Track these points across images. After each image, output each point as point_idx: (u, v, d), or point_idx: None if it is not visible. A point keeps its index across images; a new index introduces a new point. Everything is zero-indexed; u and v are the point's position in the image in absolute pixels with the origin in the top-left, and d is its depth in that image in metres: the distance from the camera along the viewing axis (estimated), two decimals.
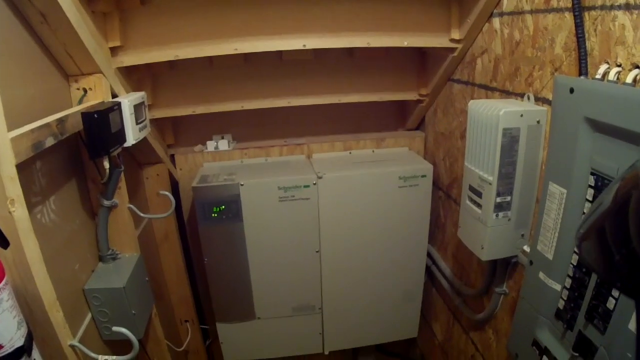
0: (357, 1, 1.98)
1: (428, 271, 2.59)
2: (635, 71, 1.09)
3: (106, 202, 1.66)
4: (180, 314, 2.67)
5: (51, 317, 1.16)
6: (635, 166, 0.57)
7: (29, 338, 1.04)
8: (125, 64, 1.83)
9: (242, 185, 2.16)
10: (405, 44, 2.04)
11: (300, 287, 2.43)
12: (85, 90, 1.58)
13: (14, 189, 1.03)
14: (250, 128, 2.57)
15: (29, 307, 1.11)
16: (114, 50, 1.80)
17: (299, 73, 2.37)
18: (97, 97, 1.60)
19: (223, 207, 2.18)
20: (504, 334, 1.85)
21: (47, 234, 1.35)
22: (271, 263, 2.33)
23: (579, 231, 0.64)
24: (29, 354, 1.03)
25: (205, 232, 2.22)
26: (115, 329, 1.57)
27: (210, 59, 2.11)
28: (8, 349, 0.96)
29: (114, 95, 1.70)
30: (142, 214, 1.90)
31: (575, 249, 1.31)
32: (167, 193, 2.15)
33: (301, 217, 2.28)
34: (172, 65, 2.10)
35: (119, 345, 1.65)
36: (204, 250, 2.26)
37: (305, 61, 2.32)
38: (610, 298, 1.15)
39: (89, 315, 1.58)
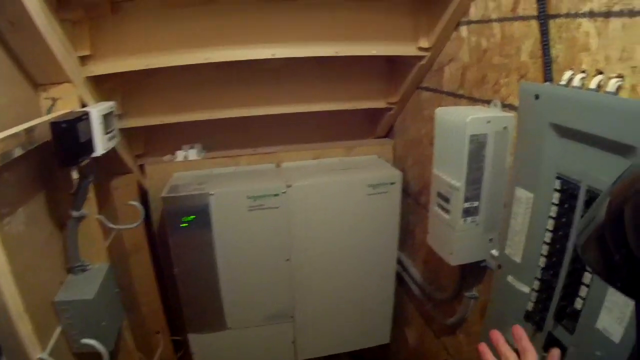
0: (326, 10, 2.00)
1: (399, 277, 2.61)
2: (599, 77, 1.12)
3: (75, 213, 1.63)
4: (152, 325, 2.62)
5: (19, 329, 1.14)
6: (623, 178, 0.59)
7: None
8: (94, 73, 1.80)
9: (211, 194, 2.15)
10: (374, 52, 2.06)
11: (271, 296, 2.41)
12: (54, 100, 1.56)
13: None
14: (220, 137, 2.55)
15: None
16: (83, 59, 1.78)
17: (269, 82, 2.36)
18: (66, 106, 1.57)
19: (193, 216, 2.16)
20: (476, 337, 1.87)
21: (15, 245, 1.31)
22: (242, 272, 2.31)
23: (579, 242, 0.65)
24: None
25: (175, 242, 2.19)
26: (84, 341, 1.54)
27: (180, 68, 2.09)
28: None
29: (84, 105, 1.68)
30: (111, 225, 1.88)
31: (548, 249, 1.33)
32: (136, 203, 2.12)
33: (271, 225, 2.27)
34: (142, 74, 2.08)
35: (90, 357, 1.61)
36: (174, 260, 2.23)
37: (275, 70, 2.32)
38: (578, 299, 1.18)
39: (59, 328, 1.54)
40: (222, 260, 2.26)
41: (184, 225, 2.16)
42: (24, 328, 1.17)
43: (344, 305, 2.53)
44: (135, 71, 1.93)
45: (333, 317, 2.55)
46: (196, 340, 2.42)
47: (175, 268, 2.24)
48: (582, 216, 1.17)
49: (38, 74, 1.50)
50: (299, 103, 2.42)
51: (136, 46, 1.88)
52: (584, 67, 1.19)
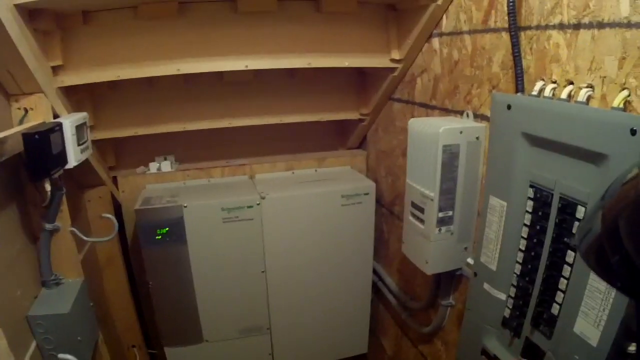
0: (298, 23, 2.01)
1: (375, 287, 2.61)
2: (570, 87, 1.15)
3: (48, 226, 1.61)
4: (127, 339, 2.58)
5: None
6: (612, 191, 0.62)
7: None
8: (66, 84, 1.78)
9: (185, 207, 2.13)
10: (346, 64, 2.08)
11: (247, 308, 2.39)
12: (26, 110, 1.53)
13: None
14: (193, 149, 2.54)
15: None
16: (55, 70, 1.76)
17: (241, 94, 2.36)
18: (38, 117, 1.55)
19: (166, 229, 2.13)
20: (453, 345, 1.89)
21: None
22: (217, 285, 2.29)
23: (580, 250, 0.67)
24: None
25: (149, 255, 2.16)
26: (61, 356, 1.52)
27: (150, 80, 2.08)
28: None
29: (56, 116, 1.65)
30: (85, 237, 1.85)
31: (523, 256, 1.35)
32: (109, 216, 2.10)
33: (246, 237, 2.26)
34: (113, 85, 2.06)
35: None
36: (148, 274, 2.20)
37: (247, 82, 2.33)
38: (555, 304, 1.20)
39: (34, 343, 1.51)
40: (197, 272, 2.23)
41: (158, 237, 2.13)
42: None
43: (321, 316, 2.52)
44: (105, 83, 1.91)
45: (310, 328, 2.54)
46: (173, 354, 2.38)
47: (149, 281, 2.21)
48: (556, 224, 1.19)
49: (10, 84, 1.48)
50: (272, 115, 2.42)
51: (107, 57, 1.86)
52: (554, 77, 1.22)
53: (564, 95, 1.16)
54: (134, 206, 2.15)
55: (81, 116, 1.70)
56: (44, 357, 1.55)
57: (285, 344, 2.54)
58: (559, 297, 1.19)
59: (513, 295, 1.38)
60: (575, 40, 1.15)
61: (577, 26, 1.14)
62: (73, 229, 1.74)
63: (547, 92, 1.22)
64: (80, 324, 1.64)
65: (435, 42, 1.83)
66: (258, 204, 2.22)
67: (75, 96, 1.93)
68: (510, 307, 1.39)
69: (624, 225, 0.56)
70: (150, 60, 1.90)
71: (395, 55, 2.05)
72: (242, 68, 1.99)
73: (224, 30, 1.95)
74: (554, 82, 1.22)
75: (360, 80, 2.50)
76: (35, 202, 1.59)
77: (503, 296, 1.42)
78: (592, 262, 0.64)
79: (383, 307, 2.72)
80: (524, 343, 1.33)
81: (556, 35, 1.21)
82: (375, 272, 2.59)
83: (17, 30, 1.33)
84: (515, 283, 1.37)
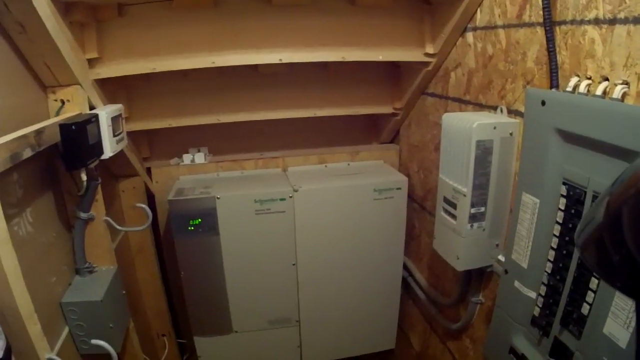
0: (332, 16, 2.01)
1: (404, 282, 2.60)
2: (605, 83, 1.13)
3: (83, 215, 1.65)
4: (157, 328, 2.64)
5: (29, 329, 1.15)
6: (622, 179, 0.59)
7: (8, 351, 1.02)
8: (102, 76, 1.82)
9: (218, 198, 2.15)
10: (380, 58, 2.07)
11: (277, 300, 2.42)
12: (63, 102, 1.57)
13: None
14: (226, 141, 2.56)
15: (5, 319, 1.09)
16: (91, 62, 1.79)
17: (274, 86, 2.37)
18: (74, 108, 1.59)
19: (199, 220, 2.16)
20: (481, 342, 1.87)
21: (24, 245, 1.33)
22: (248, 276, 2.32)
23: (578, 241, 0.66)
24: None
25: (181, 245, 2.20)
26: (94, 341, 1.55)
27: (185, 72, 2.10)
28: None
29: (92, 107, 1.69)
30: (118, 227, 1.89)
31: (554, 254, 1.33)
32: (143, 206, 2.14)
33: (277, 230, 2.28)
34: (147, 77, 2.09)
35: (96, 359, 1.62)
36: (180, 264, 2.24)
37: (281, 75, 2.34)
38: (585, 304, 1.18)
39: (66, 329, 1.55)
40: (228, 263, 2.26)
41: (190, 228, 2.17)
42: (33, 328, 1.17)
43: (350, 310, 2.53)
44: (140, 75, 1.94)
45: (338, 322, 2.55)
46: (202, 344, 2.42)
47: (181, 271, 2.25)
48: None
49: (47, 76, 1.52)
50: (305, 108, 2.43)
51: (142, 49, 1.89)
52: (589, 73, 1.20)
53: (599, 91, 1.13)
54: (167, 197, 2.19)
55: (117, 108, 1.74)
56: (76, 343, 1.59)
57: (314, 337, 2.55)
58: (590, 296, 1.17)
59: (543, 293, 1.36)
60: (610, 35, 1.12)
61: (613, 21, 1.11)
62: (107, 218, 1.78)
63: (582, 88, 1.19)
64: (112, 312, 1.67)
65: (470, 36, 1.80)
66: (290, 197, 2.23)
67: (110, 88, 1.97)
68: (540, 305, 1.37)
69: (627, 213, 0.54)
70: (184, 53, 1.93)
71: (429, 49, 2.03)
72: (276, 61, 1.99)
73: (258, 22, 1.96)
74: (589, 78, 1.19)
75: (394, 75, 2.48)
76: (71, 192, 1.63)
77: (533, 294, 1.41)
78: (591, 258, 0.63)
79: (412, 303, 2.71)
80: (553, 343, 1.31)
81: (591, 31, 1.18)
82: (405, 267, 2.58)
83: (53, 23, 1.36)
84: (545, 281, 1.35)
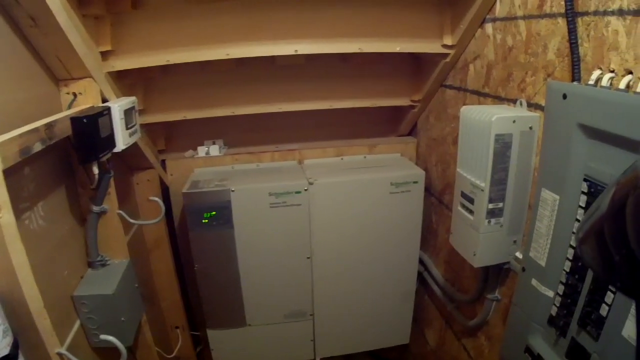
0: (349, 7, 1.98)
1: (420, 277, 2.58)
2: (629, 77, 1.09)
3: (95, 208, 1.64)
4: (171, 320, 2.65)
5: (38, 324, 1.14)
6: (630, 170, 0.57)
7: (15, 346, 1.02)
8: (116, 69, 1.81)
9: (233, 191, 2.15)
10: (398, 49, 2.04)
11: (291, 294, 2.41)
12: (75, 95, 1.56)
13: (1, 195, 1.02)
14: (241, 133, 2.55)
15: (15, 314, 1.09)
16: (104, 55, 1.79)
17: (291, 78, 2.35)
18: (87, 101, 1.58)
19: (214, 213, 2.16)
20: (497, 340, 1.85)
21: (35, 239, 1.33)
22: (262, 269, 2.31)
23: (578, 234, 0.64)
24: None
25: (195, 238, 2.20)
26: (102, 337, 1.55)
27: (202, 64, 2.09)
28: None
29: (104, 100, 1.68)
30: (132, 220, 1.89)
31: (573, 253, 1.30)
32: (156, 199, 2.14)
33: (292, 223, 2.27)
34: (164, 69, 2.08)
35: (108, 352, 1.62)
36: (195, 257, 2.23)
37: (298, 66, 2.31)
38: (604, 305, 1.15)
39: (78, 322, 1.55)
40: (242, 256, 2.26)
41: (205, 221, 2.16)
42: (43, 322, 1.17)
43: (364, 304, 2.52)
44: (155, 67, 1.93)
45: (353, 316, 2.54)
46: (215, 337, 2.43)
47: (195, 264, 2.25)
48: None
49: (59, 70, 1.51)
50: (322, 100, 2.41)
51: (157, 42, 1.88)
52: (612, 66, 1.16)
53: (622, 85, 1.09)
54: (181, 189, 2.18)
55: (130, 100, 1.73)
56: (88, 336, 1.59)
57: (327, 331, 2.55)
58: (609, 297, 1.13)
59: (561, 293, 1.33)
60: (635, 27, 1.08)
61: (637, 12, 1.07)
62: (120, 211, 1.77)
63: (605, 81, 1.15)
64: (124, 305, 1.67)
65: (489, 27, 1.76)
66: (306, 190, 2.22)
67: (127, 80, 1.97)
68: (558, 305, 1.34)
69: (632, 204, 0.52)
70: (200, 45, 1.91)
71: (448, 40, 1.99)
72: (292, 53, 1.98)
73: (274, 14, 1.94)
74: (612, 72, 1.15)
75: (412, 66, 2.45)
76: (84, 185, 1.63)
77: (551, 293, 1.38)
78: (589, 257, 0.61)
79: (428, 298, 2.68)
80: (570, 343, 1.28)
81: (615, 22, 1.14)
82: (421, 261, 2.56)
83: (66, 17, 1.35)
84: (564, 280, 1.32)
